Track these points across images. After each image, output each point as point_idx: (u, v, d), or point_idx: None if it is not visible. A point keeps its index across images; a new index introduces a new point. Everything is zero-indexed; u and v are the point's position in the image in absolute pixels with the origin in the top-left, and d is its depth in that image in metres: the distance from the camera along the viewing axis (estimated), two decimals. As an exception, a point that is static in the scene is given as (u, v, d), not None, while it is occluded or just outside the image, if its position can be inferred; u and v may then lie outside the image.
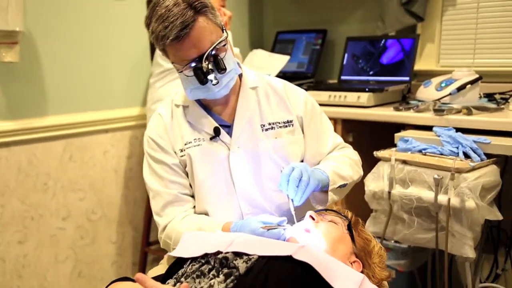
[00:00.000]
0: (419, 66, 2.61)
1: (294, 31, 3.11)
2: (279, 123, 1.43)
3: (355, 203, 1.95)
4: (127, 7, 2.62)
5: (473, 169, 1.66)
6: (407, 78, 2.49)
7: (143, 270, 2.80)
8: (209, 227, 1.31)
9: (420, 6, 2.53)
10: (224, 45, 1.30)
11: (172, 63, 1.32)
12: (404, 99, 2.49)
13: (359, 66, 2.71)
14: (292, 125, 1.45)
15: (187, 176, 1.43)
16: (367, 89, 2.34)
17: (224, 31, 1.31)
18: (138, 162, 2.77)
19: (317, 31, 3.01)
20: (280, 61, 2.89)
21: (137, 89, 2.73)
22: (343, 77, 2.75)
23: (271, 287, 0.92)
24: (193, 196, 1.45)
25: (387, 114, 2.17)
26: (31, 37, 2.27)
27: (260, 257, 0.99)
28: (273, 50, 3.12)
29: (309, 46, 3.03)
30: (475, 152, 1.72)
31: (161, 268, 1.49)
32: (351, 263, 1.19)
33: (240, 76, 1.45)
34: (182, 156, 1.41)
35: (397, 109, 2.17)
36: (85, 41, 2.48)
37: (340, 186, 1.39)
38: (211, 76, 1.27)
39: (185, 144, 1.40)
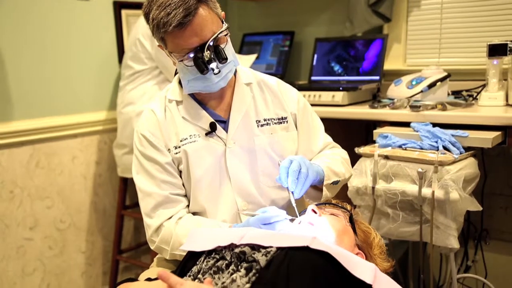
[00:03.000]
0: (386, 65, 2.67)
1: (261, 33, 3.11)
2: (274, 119, 1.43)
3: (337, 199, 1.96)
4: (92, 9, 2.55)
5: (454, 161, 1.71)
6: (377, 77, 2.55)
7: (114, 279, 2.71)
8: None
9: (387, 7, 2.60)
10: (226, 35, 1.29)
11: (171, 53, 1.28)
12: (375, 98, 2.55)
13: (329, 67, 2.74)
14: (287, 121, 1.44)
15: (180, 175, 1.39)
16: (341, 88, 2.38)
17: (224, 22, 1.30)
18: (107, 168, 2.69)
19: (284, 33, 3.03)
20: (248, 60, 2.88)
21: (105, 92, 2.66)
22: (313, 78, 2.78)
23: (294, 277, 0.90)
24: (185, 196, 1.41)
25: (364, 111, 2.21)
26: (-7, 39, 2.16)
27: (278, 249, 0.97)
28: (240, 52, 3.11)
29: (277, 47, 3.04)
30: (454, 145, 1.78)
31: (152, 271, 1.43)
32: (355, 254, 1.19)
33: (234, 72, 1.43)
34: (176, 153, 1.37)
35: (372, 106, 2.21)
36: (50, 43, 2.39)
37: (333, 183, 1.40)
38: (213, 65, 1.25)
39: (181, 141, 1.37)
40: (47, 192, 2.42)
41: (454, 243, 1.70)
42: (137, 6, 2.70)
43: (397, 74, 2.52)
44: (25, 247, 2.35)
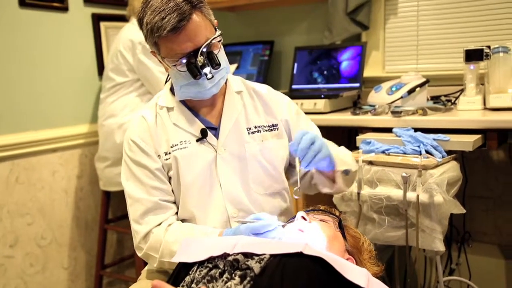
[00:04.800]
0: (366, 73, 2.70)
1: (240, 43, 3.13)
2: (265, 126, 1.44)
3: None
4: (71, 22, 2.53)
5: (437, 165, 1.74)
6: (357, 85, 2.58)
7: (98, 295, 2.66)
8: (202, 236, 1.28)
9: (364, 15, 2.64)
10: (219, 41, 1.30)
11: (163, 58, 1.29)
12: (356, 105, 2.58)
13: (309, 75, 2.77)
14: (277, 129, 1.45)
15: (169, 181, 1.39)
16: (322, 96, 2.40)
17: (217, 29, 1.31)
18: (89, 181, 2.65)
19: (264, 42, 3.05)
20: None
21: (86, 105, 2.63)
22: (294, 86, 2.80)
23: (289, 283, 0.90)
24: (174, 203, 1.40)
25: (346, 118, 2.23)
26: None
27: (271, 256, 0.97)
28: (220, 62, 3.11)
29: (256, 57, 3.05)
30: (436, 149, 1.81)
31: (141, 284, 1.41)
32: (346, 260, 1.20)
33: (225, 81, 1.43)
34: (167, 159, 1.36)
35: (354, 113, 2.24)
36: (28, 57, 2.36)
37: (344, 172, 1.41)
38: (206, 70, 1.26)
39: (171, 147, 1.36)
40: (27, 208, 2.38)
41: (440, 246, 1.72)
42: (116, 18, 2.68)
43: (376, 81, 2.55)
44: (5, 265, 2.30)
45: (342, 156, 1.43)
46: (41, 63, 2.41)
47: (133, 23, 2.44)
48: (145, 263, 1.52)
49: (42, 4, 2.39)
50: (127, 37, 2.37)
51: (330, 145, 1.45)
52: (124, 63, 2.37)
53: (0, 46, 2.24)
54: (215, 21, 1.33)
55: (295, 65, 2.81)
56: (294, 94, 2.66)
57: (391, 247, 2.20)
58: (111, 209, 2.74)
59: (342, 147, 1.54)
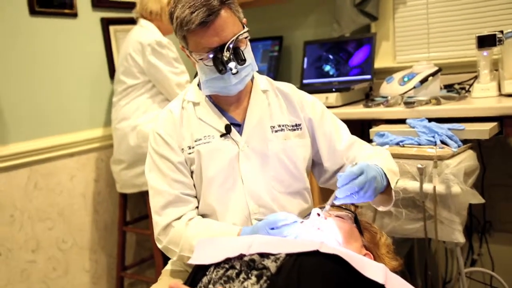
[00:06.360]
0: (377, 64, 2.68)
1: (249, 39, 3.12)
2: (288, 125, 1.44)
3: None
4: (80, 27, 2.55)
5: (453, 155, 1.72)
6: (369, 76, 2.56)
7: (120, 296, 2.69)
8: (220, 235, 1.28)
9: (373, 6, 2.62)
10: (246, 37, 1.32)
11: (191, 52, 1.31)
12: (368, 97, 2.56)
13: (320, 69, 2.75)
14: (301, 128, 1.45)
15: (192, 176, 1.40)
16: (334, 90, 2.39)
17: (245, 26, 1.32)
18: (106, 185, 2.68)
19: (273, 38, 3.04)
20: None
21: (100, 109, 2.65)
22: (305, 81, 2.79)
23: (305, 282, 0.91)
24: (195, 197, 1.42)
25: (358, 111, 2.22)
26: (-16, 63, 2.16)
27: (287, 255, 0.98)
28: (230, 60, 3.11)
29: (266, 53, 3.05)
30: (451, 139, 1.79)
31: (162, 284, 1.43)
32: (363, 255, 1.19)
33: (252, 79, 1.45)
34: (190, 153, 1.38)
35: (366, 106, 2.22)
36: (41, 64, 2.38)
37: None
38: (231, 64, 1.27)
39: (195, 141, 1.38)
40: (47, 213, 2.41)
41: (460, 237, 1.71)
42: (125, 21, 2.70)
43: (388, 72, 2.53)
44: (28, 270, 2.33)
45: (391, 166, 1.36)
46: (54, 69, 2.43)
47: (142, 25, 2.45)
48: (165, 263, 1.54)
49: (51, 12, 2.41)
50: (136, 40, 2.38)
51: (373, 158, 1.37)
52: (135, 66, 2.38)
53: (12, 55, 2.27)
54: (244, 19, 1.34)
55: (305, 59, 2.80)
56: (305, 89, 2.61)
57: (410, 240, 2.18)
58: (129, 211, 2.76)
59: (380, 149, 1.48)
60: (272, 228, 1.20)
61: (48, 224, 2.41)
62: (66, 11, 2.48)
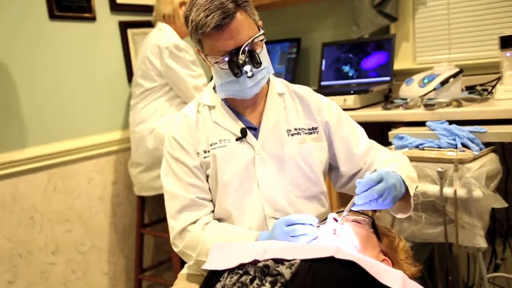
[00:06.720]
0: (396, 65, 2.64)
1: (267, 42, 3.09)
2: (305, 129, 1.42)
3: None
4: (99, 30, 2.57)
5: (475, 158, 1.68)
6: (388, 78, 2.52)
7: (138, 298, 2.70)
8: (237, 239, 1.27)
9: (392, 7, 2.58)
10: (261, 40, 1.31)
11: (206, 56, 1.31)
12: (387, 99, 2.52)
13: (338, 71, 2.72)
14: (317, 132, 1.43)
15: (207, 180, 1.40)
16: (352, 92, 2.35)
17: (261, 29, 1.31)
18: (124, 188, 2.69)
19: (290, 40, 3.02)
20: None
21: (117, 112, 2.67)
22: (323, 83, 2.76)
23: (320, 288, 0.89)
24: (211, 201, 1.41)
25: (377, 113, 2.18)
26: (4, 68, 2.18)
27: (302, 261, 0.96)
28: (248, 62, 3.10)
29: (284, 55, 3.03)
30: (472, 142, 1.74)
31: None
32: (381, 261, 1.16)
33: (268, 82, 1.44)
34: (205, 157, 1.38)
35: (385, 108, 2.19)
36: (59, 68, 2.41)
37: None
38: (246, 68, 1.26)
39: (210, 145, 1.38)
40: (66, 216, 2.43)
41: (482, 242, 1.66)
42: (143, 25, 2.71)
43: (407, 74, 2.49)
44: (48, 272, 2.36)
45: (410, 173, 1.33)
46: (72, 73, 2.46)
47: (159, 28, 2.46)
48: (182, 266, 1.53)
49: (70, 16, 2.43)
50: (153, 43, 2.39)
51: (391, 163, 1.34)
52: (152, 69, 2.39)
53: (32, 59, 2.30)
54: (260, 21, 1.33)
55: (323, 61, 2.78)
56: (323, 91, 2.60)
57: (430, 245, 2.14)
58: (147, 214, 2.77)
59: (398, 155, 1.45)
60: (288, 225, 1.18)
61: (67, 227, 2.43)
62: (85, 15, 2.50)
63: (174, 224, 1.38)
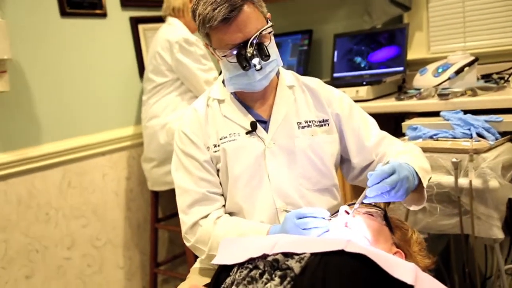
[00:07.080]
0: (410, 55, 2.61)
1: (278, 34, 3.09)
2: (315, 121, 1.40)
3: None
4: (110, 26, 2.58)
5: (490, 148, 1.65)
6: (401, 68, 2.49)
7: (154, 292, 2.72)
8: (249, 233, 1.27)
9: (405, -4, 2.54)
10: (270, 32, 1.30)
11: (214, 49, 1.30)
12: (401, 89, 2.49)
13: (351, 62, 2.69)
14: (328, 124, 1.41)
15: (218, 174, 1.39)
16: (364, 83, 2.33)
17: (269, 21, 1.30)
18: (138, 183, 2.70)
19: (302, 32, 3.00)
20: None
21: (130, 107, 2.68)
22: (335, 75, 2.74)
23: (331, 282, 0.88)
24: (222, 195, 1.41)
25: (390, 104, 2.16)
26: (17, 65, 2.20)
27: (312, 254, 0.95)
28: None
29: (296, 47, 3.01)
30: (488, 132, 1.71)
31: (189, 282, 1.42)
32: (393, 254, 1.15)
33: (277, 74, 1.43)
34: (215, 151, 1.37)
35: (399, 99, 2.16)
36: (71, 64, 2.42)
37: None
38: (255, 60, 1.25)
39: (220, 139, 1.37)
40: (82, 211, 2.45)
41: (498, 233, 1.63)
42: (154, 20, 2.71)
43: (421, 63, 2.45)
44: (64, 267, 2.38)
45: (423, 165, 1.30)
46: (84, 69, 2.47)
47: (169, 23, 2.45)
48: (196, 260, 1.53)
49: (81, 13, 2.44)
50: (164, 38, 2.39)
51: (403, 155, 1.31)
52: (163, 64, 2.39)
53: (45, 55, 2.31)
54: (268, 13, 1.32)
55: (335, 52, 2.75)
56: (335, 83, 2.60)
57: (446, 236, 2.11)
58: (161, 208, 2.78)
59: (411, 146, 1.42)
60: (300, 218, 1.17)
61: (82, 222, 2.46)
62: (96, 11, 2.51)
63: (185, 219, 1.38)
